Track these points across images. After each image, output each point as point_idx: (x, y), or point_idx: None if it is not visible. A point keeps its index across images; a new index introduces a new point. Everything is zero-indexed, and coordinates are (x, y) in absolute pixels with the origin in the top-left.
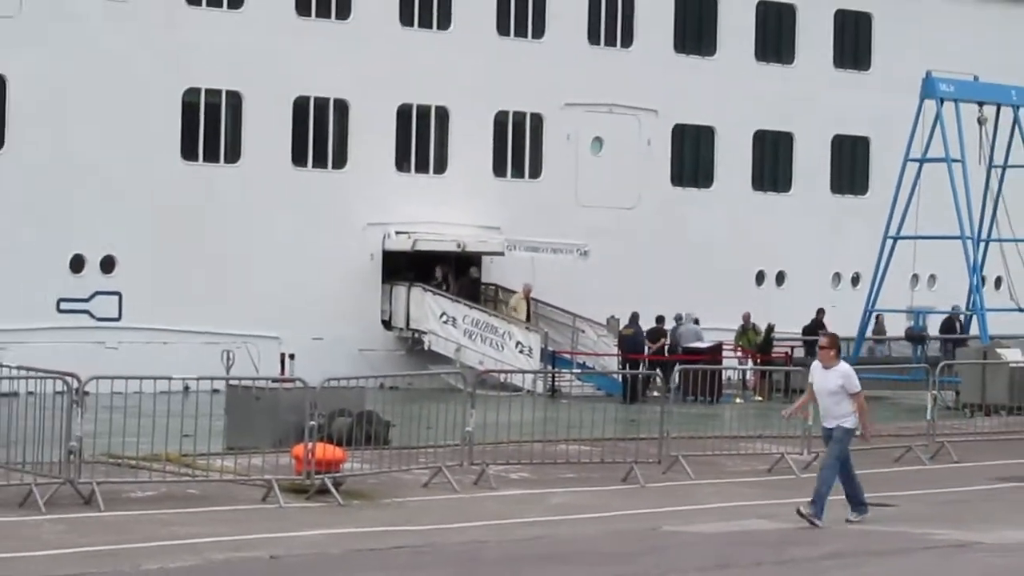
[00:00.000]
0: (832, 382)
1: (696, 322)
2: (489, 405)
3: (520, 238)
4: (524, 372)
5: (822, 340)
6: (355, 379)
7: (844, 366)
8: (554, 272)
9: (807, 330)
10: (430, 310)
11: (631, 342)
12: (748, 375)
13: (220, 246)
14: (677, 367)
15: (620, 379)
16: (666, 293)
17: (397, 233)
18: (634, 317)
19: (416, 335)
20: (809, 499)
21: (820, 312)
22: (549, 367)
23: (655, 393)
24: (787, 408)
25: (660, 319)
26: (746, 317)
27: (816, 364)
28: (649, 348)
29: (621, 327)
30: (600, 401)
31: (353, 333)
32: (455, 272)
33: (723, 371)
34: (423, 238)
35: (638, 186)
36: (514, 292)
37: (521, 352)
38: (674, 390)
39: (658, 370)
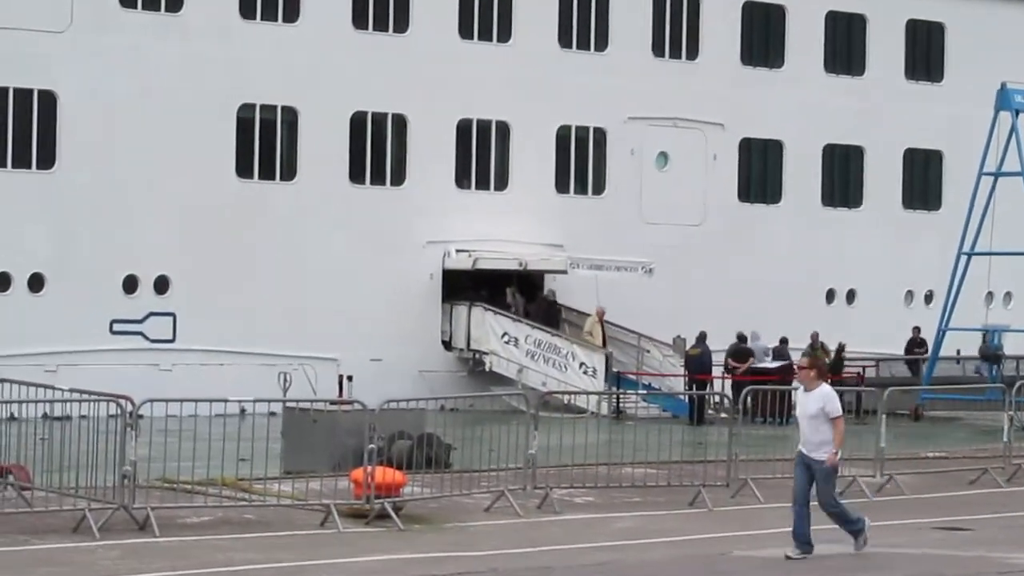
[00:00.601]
0: (812, 405)
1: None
2: (552, 427)
3: (583, 256)
4: (588, 393)
5: (802, 360)
6: (415, 401)
7: (825, 388)
8: (618, 290)
9: (908, 349)
10: (491, 330)
11: (698, 362)
12: None
13: (276, 265)
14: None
15: (687, 400)
16: (733, 311)
17: (457, 251)
18: (701, 336)
19: (477, 356)
20: (854, 543)
21: (916, 330)
22: (614, 388)
23: (722, 415)
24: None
25: (742, 338)
26: (814, 337)
27: (801, 388)
28: (735, 368)
29: (688, 347)
30: (666, 423)
31: (413, 354)
32: (523, 291)
33: (793, 391)
34: (484, 256)
35: (704, 202)
36: (584, 314)
37: (585, 373)
38: (742, 411)
39: (720, 390)
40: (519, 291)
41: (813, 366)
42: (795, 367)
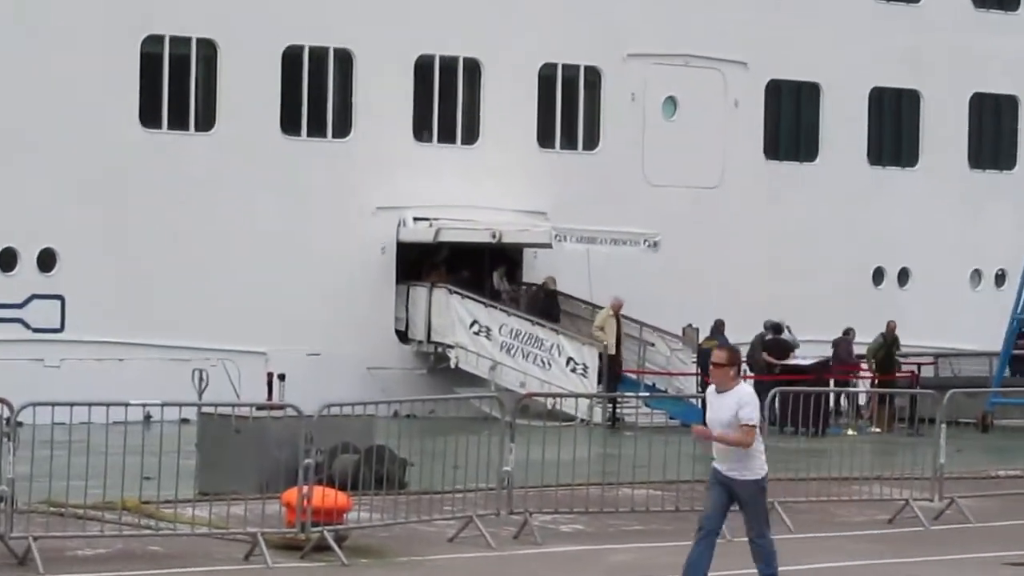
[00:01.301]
0: (727, 410)
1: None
2: (533, 438)
3: (572, 226)
4: (578, 396)
5: (716, 354)
6: (362, 405)
7: (744, 389)
8: (615, 269)
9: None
10: (457, 317)
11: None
12: (863, 400)
13: (189, 236)
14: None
15: (700, 404)
16: (756, 296)
17: (415, 220)
18: (718, 326)
19: (440, 349)
20: None
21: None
22: (609, 390)
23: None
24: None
25: (777, 328)
26: (891, 328)
27: (711, 388)
28: (770, 366)
29: (701, 339)
30: (674, 433)
31: (359, 347)
32: (509, 275)
33: (831, 395)
34: (448, 226)
35: (722, 159)
36: (583, 303)
37: (574, 371)
38: (768, 418)
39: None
40: (508, 275)
41: (731, 362)
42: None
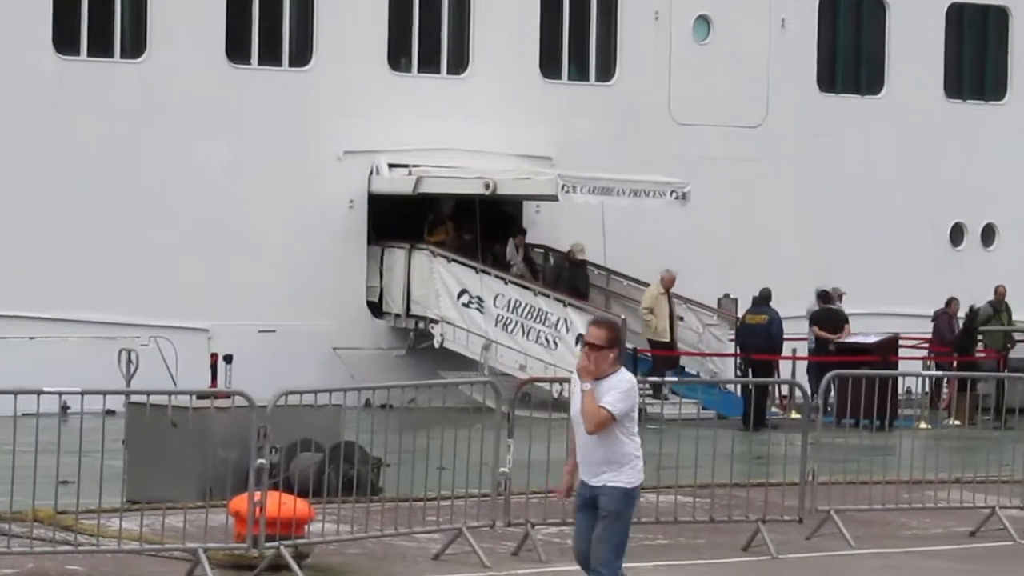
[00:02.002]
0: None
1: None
2: (536, 433)
3: (582, 174)
4: None
5: (593, 332)
6: (327, 393)
7: (624, 377)
8: (635, 227)
9: None
10: (443, 285)
11: (760, 334)
12: (941, 386)
13: (115, 187)
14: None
15: (739, 392)
16: (808, 259)
17: (391, 167)
18: (764, 296)
19: (421, 325)
20: None
21: None
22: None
23: (792, 414)
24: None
25: (826, 296)
26: (1001, 293)
27: (574, 378)
28: (825, 341)
29: (745, 312)
30: (707, 426)
31: (323, 323)
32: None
33: (900, 379)
34: (431, 174)
35: (765, 93)
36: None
37: None
38: (823, 408)
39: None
40: (522, 241)
41: (613, 342)
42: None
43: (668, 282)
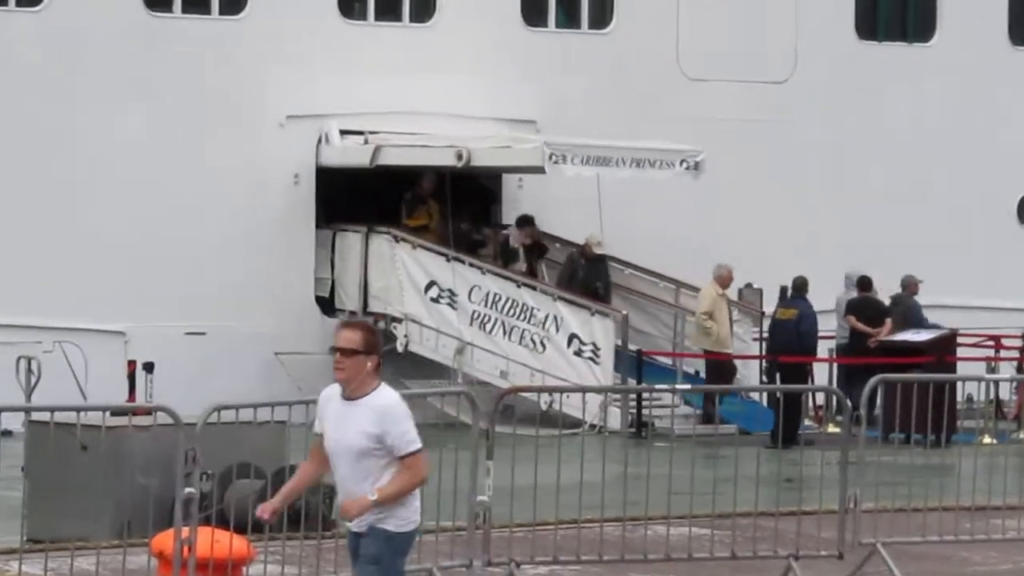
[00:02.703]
0: (358, 430)
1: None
2: (520, 453)
3: (574, 141)
4: (585, 391)
5: (344, 336)
6: (268, 407)
7: (386, 395)
8: (638, 203)
9: None
10: (407, 277)
11: (791, 332)
12: (1008, 392)
13: (10, 161)
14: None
15: (767, 402)
16: (847, 242)
17: (343, 134)
18: (798, 284)
19: (382, 324)
20: None
21: None
22: (632, 381)
23: (830, 427)
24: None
25: (865, 284)
26: None
27: (328, 394)
28: (865, 336)
29: (774, 308)
30: (729, 442)
31: (263, 323)
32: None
33: (960, 385)
34: (392, 142)
35: (794, 41)
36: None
37: (579, 354)
38: (864, 419)
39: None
40: (533, 233)
41: (370, 347)
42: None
43: (726, 280)
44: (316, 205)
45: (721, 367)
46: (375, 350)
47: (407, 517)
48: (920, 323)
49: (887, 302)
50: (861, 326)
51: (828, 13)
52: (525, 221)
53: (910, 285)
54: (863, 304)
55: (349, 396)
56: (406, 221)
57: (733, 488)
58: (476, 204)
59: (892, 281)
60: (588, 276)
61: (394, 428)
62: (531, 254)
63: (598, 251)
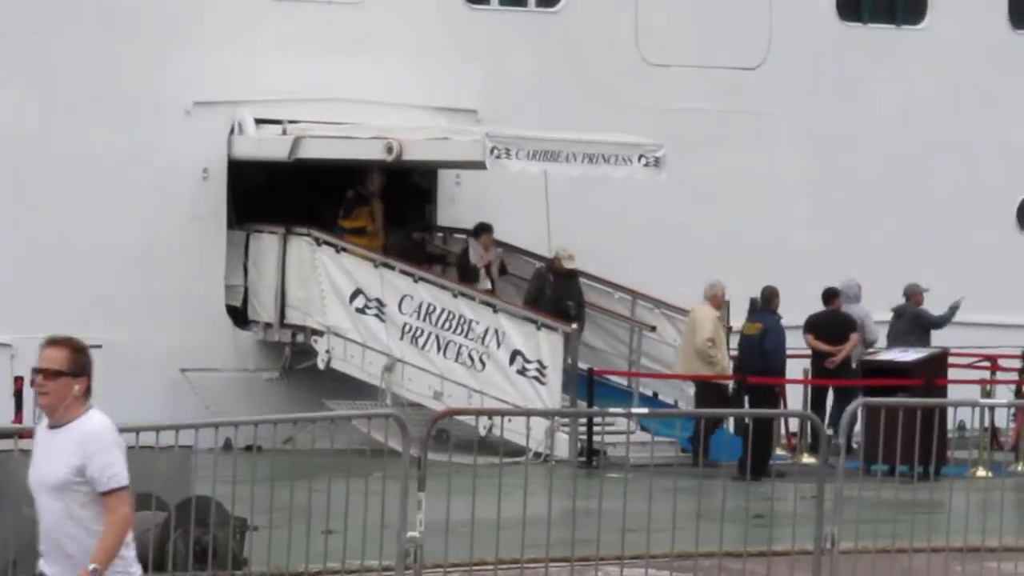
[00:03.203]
0: (58, 460)
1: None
2: (457, 485)
3: (519, 133)
4: (529, 414)
5: (47, 355)
6: (172, 430)
7: (95, 420)
8: (591, 204)
9: None
10: (329, 284)
11: (757, 349)
12: (1005, 419)
13: None
14: (856, 400)
15: (733, 429)
16: (824, 245)
17: (259, 123)
18: (767, 295)
19: (301, 338)
20: None
21: None
22: (582, 404)
23: (804, 457)
24: None
25: (831, 294)
26: None
27: (41, 426)
28: (824, 355)
29: (742, 323)
30: (690, 475)
31: (167, 335)
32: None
33: (951, 410)
34: (314, 133)
35: (768, 23)
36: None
37: (523, 372)
38: (844, 447)
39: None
40: (490, 242)
41: (77, 367)
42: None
43: (720, 300)
44: (228, 203)
45: (720, 393)
46: (84, 371)
47: (124, 569)
48: (931, 327)
49: (889, 314)
50: (821, 345)
51: None
52: (483, 229)
53: (914, 295)
54: (826, 318)
55: (55, 424)
56: (342, 221)
57: (695, 525)
58: (409, 204)
59: (886, 290)
60: (558, 294)
61: (97, 458)
62: (489, 272)
63: (569, 266)
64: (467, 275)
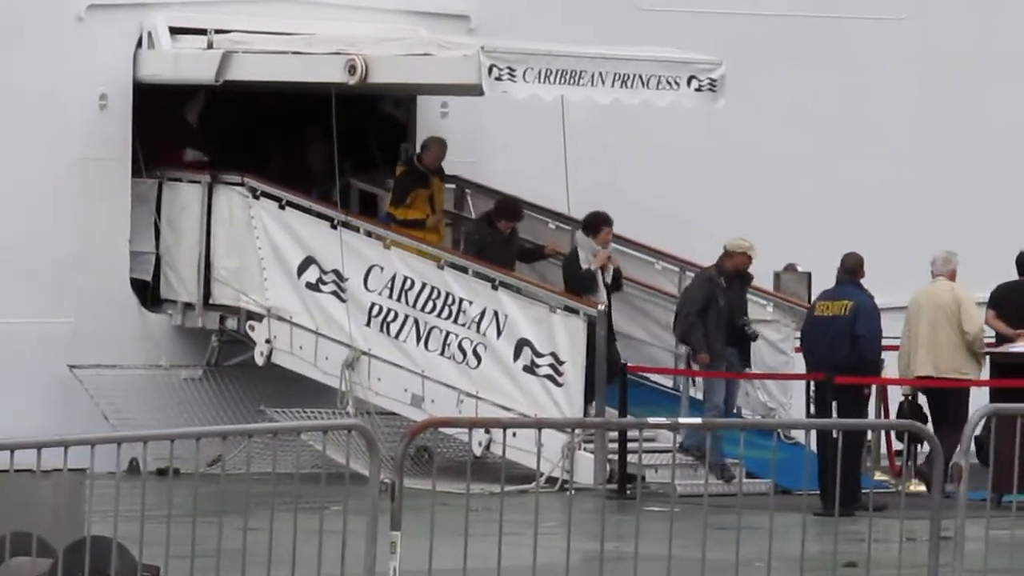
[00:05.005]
0: None
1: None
2: (444, 522)
3: (524, 47)
4: (541, 426)
5: None
6: (59, 447)
7: None
8: (624, 145)
9: None
10: (270, 250)
11: (834, 336)
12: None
13: None
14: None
15: (811, 444)
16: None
17: (175, 33)
18: (848, 267)
19: (233, 324)
20: None
21: None
22: (612, 412)
23: (914, 485)
24: None
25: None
26: None
27: None
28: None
29: (816, 298)
30: (758, 509)
31: (52, 319)
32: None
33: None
34: (248, 46)
35: None
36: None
37: (532, 369)
38: (966, 472)
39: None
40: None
41: None
42: None
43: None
44: (133, 141)
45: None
46: None
47: None
48: None
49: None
50: (1001, 326)
51: None
52: (603, 221)
53: None
54: (1013, 292)
55: None
56: (391, 209)
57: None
58: (379, 143)
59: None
60: (731, 304)
61: None
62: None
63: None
64: (580, 284)
